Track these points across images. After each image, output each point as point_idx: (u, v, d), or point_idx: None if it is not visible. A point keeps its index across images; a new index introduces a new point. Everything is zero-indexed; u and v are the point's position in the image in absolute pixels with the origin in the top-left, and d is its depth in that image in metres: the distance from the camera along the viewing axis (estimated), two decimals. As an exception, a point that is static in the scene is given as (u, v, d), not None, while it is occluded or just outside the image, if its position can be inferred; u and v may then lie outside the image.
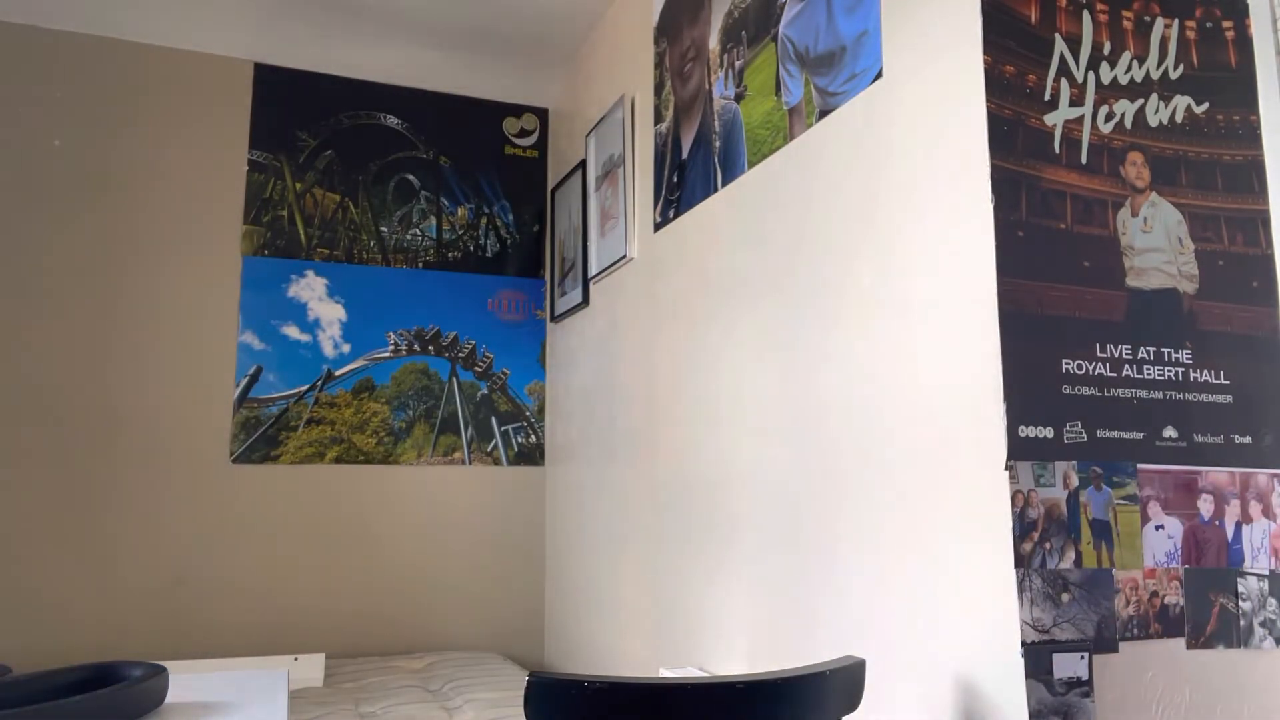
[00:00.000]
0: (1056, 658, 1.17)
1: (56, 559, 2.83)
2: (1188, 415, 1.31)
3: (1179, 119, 1.40)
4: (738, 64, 2.03)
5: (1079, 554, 1.21)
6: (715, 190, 2.09)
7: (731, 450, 1.95)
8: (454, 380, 3.39)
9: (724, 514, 1.97)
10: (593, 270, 2.89)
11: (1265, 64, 1.47)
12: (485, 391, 3.43)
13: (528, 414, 3.48)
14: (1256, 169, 1.43)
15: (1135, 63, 1.37)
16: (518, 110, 3.62)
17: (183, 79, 3.15)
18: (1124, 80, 1.36)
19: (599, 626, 2.76)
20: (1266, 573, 1.31)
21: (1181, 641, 1.25)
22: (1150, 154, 1.36)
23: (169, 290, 3.05)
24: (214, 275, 3.11)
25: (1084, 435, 1.24)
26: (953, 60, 1.34)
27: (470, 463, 3.36)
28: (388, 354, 3.31)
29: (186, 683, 1.14)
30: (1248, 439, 1.35)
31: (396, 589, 3.20)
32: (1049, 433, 1.22)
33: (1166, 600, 1.25)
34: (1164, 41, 1.41)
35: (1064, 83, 1.32)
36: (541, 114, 3.66)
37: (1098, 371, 1.27)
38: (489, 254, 3.50)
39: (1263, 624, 1.30)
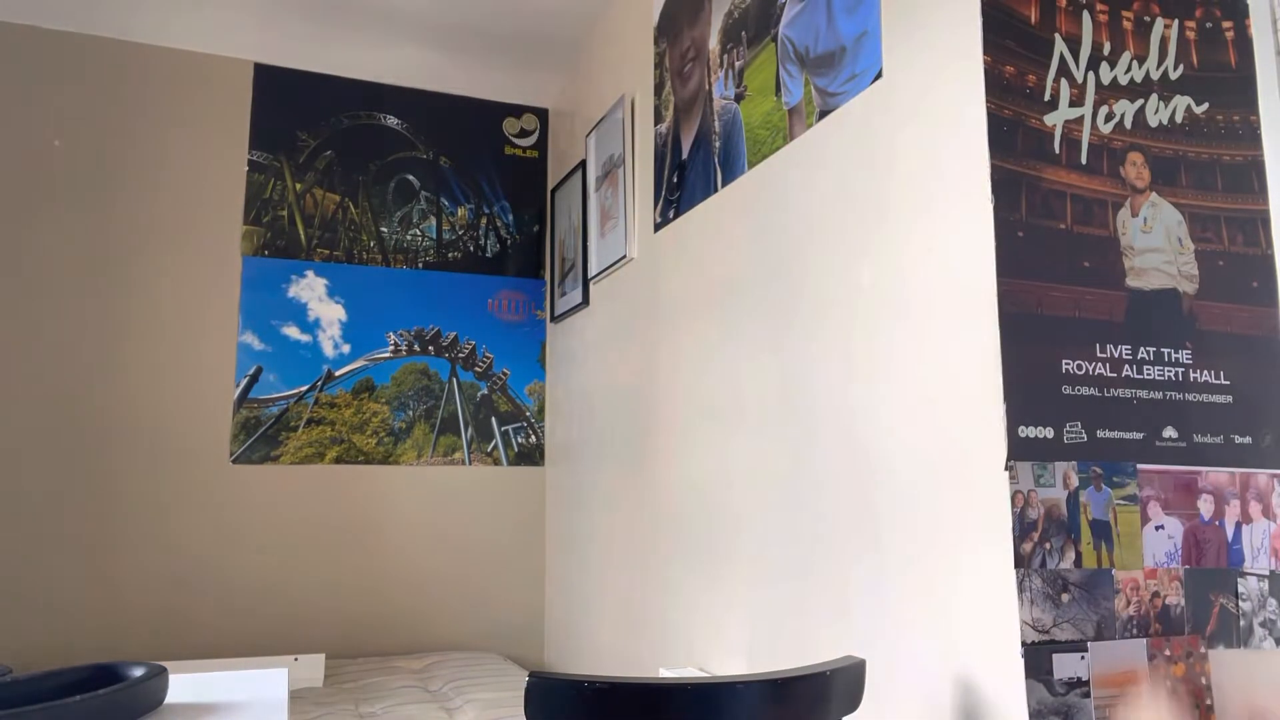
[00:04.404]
0: (1056, 658, 1.17)
1: (56, 559, 2.83)
2: (1188, 415, 1.31)
3: (1179, 119, 1.40)
4: (738, 64, 2.03)
5: (1079, 554, 1.21)
6: (715, 190, 2.09)
7: (731, 450, 1.95)
8: (454, 380, 3.39)
9: (724, 514, 1.97)
10: (593, 270, 2.89)
11: (1265, 64, 1.47)
12: (485, 392, 3.43)
13: (528, 414, 3.48)
14: (1256, 169, 1.43)
15: (1135, 63, 1.37)
16: (518, 110, 3.62)
17: (183, 79, 3.15)
18: (1124, 80, 1.36)
19: (599, 626, 2.76)
20: (1266, 573, 1.31)
21: (1181, 641, 1.25)
22: (1150, 154, 1.36)
23: (169, 290, 3.05)
24: (214, 275, 3.11)
25: (1084, 435, 1.24)
26: (953, 60, 1.34)
27: (470, 463, 3.36)
28: (388, 354, 3.31)
29: (186, 683, 1.14)
30: (1248, 439, 1.35)
31: (396, 589, 3.20)
32: (1049, 433, 1.22)
33: (1167, 600, 1.25)
34: (1164, 41, 1.41)
35: (1064, 83, 1.32)
36: (541, 114, 3.66)
37: (1098, 372, 1.27)
38: (489, 254, 3.50)
39: (1263, 624, 1.30)
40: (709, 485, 2.04)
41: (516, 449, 3.44)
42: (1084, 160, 1.31)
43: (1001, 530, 1.20)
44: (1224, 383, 1.34)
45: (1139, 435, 1.28)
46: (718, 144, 2.10)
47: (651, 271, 2.45)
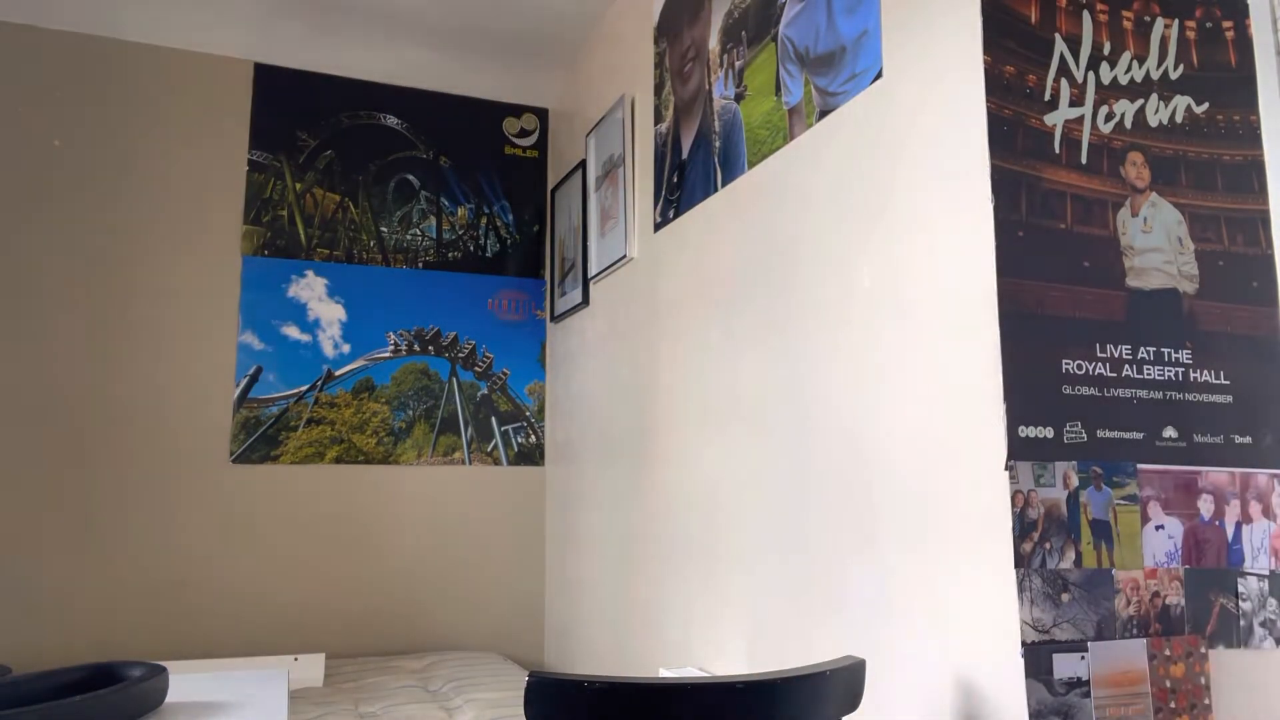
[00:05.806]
0: (1056, 658, 1.17)
1: (57, 559, 2.83)
2: (1188, 415, 1.31)
3: (1179, 119, 1.40)
4: (738, 64, 2.03)
5: (1079, 554, 1.21)
6: (715, 190, 2.09)
7: (731, 450, 1.95)
8: (454, 380, 3.39)
9: (724, 513, 1.97)
10: (593, 270, 2.89)
11: (1265, 64, 1.47)
12: (485, 391, 3.43)
13: (528, 414, 3.48)
14: (1256, 169, 1.43)
15: (1135, 63, 1.37)
16: (518, 110, 3.62)
17: (183, 79, 3.15)
18: (1124, 80, 1.36)
19: (599, 626, 2.76)
20: (1266, 573, 1.31)
21: (1181, 641, 1.25)
22: (1150, 154, 1.36)
23: (169, 290, 3.05)
24: (214, 275, 3.11)
25: (1084, 435, 1.24)
26: (953, 60, 1.34)
27: (470, 463, 3.36)
28: (388, 354, 3.31)
29: (186, 683, 1.14)
30: (1248, 439, 1.35)
31: (396, 589, 3.20)
32: (1049, 433, 1.22)
33: (1167, 600, 1.25)
34: (1164, 41, 1.41)
35: (1064, 83, 1.32)
36: (541, 114, 3.66)
37: (1098, 371, 1.27)
38: (489, 254, 3.50)
39: (1263, 624, 1.30)
40: (709, 485, 2.04)
41: (516, 449, 3.44)
42: (1084, 160, 1.31)
43: (1001, 530, 1.20)
44: (1224, 383, 1.34)
45: (1139, 435, 1.28)
46: (718, 144, 2.10)
47: (651, 271, 2.45)
